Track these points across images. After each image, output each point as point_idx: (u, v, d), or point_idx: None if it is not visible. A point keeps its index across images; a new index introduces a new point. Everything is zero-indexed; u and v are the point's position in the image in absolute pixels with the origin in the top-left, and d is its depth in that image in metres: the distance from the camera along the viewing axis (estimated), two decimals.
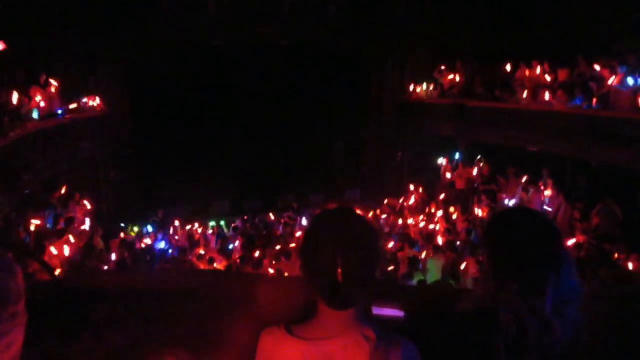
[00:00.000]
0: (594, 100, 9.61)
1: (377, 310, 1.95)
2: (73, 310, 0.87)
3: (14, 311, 0.79)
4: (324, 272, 1.35)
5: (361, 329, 1.39)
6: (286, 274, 7.83)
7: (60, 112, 10.01)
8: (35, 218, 8.65)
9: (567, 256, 1.63)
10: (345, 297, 1.37)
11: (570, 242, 8.45)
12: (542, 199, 10.42)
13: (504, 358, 1.49)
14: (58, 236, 8.55)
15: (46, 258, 7.19)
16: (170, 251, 10.26)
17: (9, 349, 0.79)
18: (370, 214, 12.28)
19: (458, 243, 9.75)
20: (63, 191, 10.60)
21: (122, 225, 11.95)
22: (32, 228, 8.37)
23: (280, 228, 12.16)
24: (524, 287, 1.52)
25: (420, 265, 8.69)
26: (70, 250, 8.27)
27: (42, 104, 9.45)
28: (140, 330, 1.50)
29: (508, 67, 12.33)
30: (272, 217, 12.95)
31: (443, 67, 14.23)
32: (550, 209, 10.00)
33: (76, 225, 9.68)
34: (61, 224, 9.20)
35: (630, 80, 8.95)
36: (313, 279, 1.40)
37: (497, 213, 2.33)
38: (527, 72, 11.85)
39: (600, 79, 9.68)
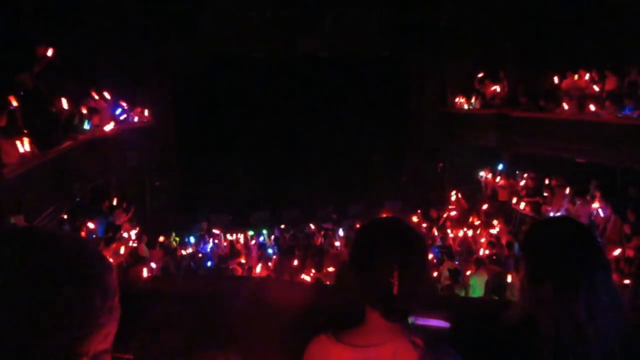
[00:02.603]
0: None
1: (422, 321, 1.95)
2: (128, 311, 0.94)
3: (111, 305, 0.90)
4: (379, 285, 1.37)
5: (409, 336, 1.39)
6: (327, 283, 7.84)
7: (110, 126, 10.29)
8: (90, 223, 9.01)
9: (605, 265, 1.64)
10: (401, 309, 1.39)
11: (616, 252, 8.12)
12: (590, 211, 10.08)
13: None
14: (106, 244, 8.84)
15: None
16: (209, 262, 10.43)
17: (106, 339, 0.91)
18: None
19: (502, 256, 9.53)
20: (113, 200, 10.98)
21: (167, 233, 12.24)
22: (83, 233, 8.68)
23: (320, 238, 12.20)
24: (558, 287, 1.54)
25: (462, 279, 8.52)
26: (117, 258, 8.54)
27: (94, 115, 9.81)
28: (193, 330, 1.55)
29: (554, 77, 12.02)
30: (312, 227, 13.01)
31: (481, 74, 14.01)
32: (599, 222, 9.66)
33: (123, 233, 9.99)
34: (110, 232, 9.51)
35: None
36: (366, 290, 1.41)
37: (536, 221, 2.38)
38: (573, 81, 11.55)
39: None
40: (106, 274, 0.91)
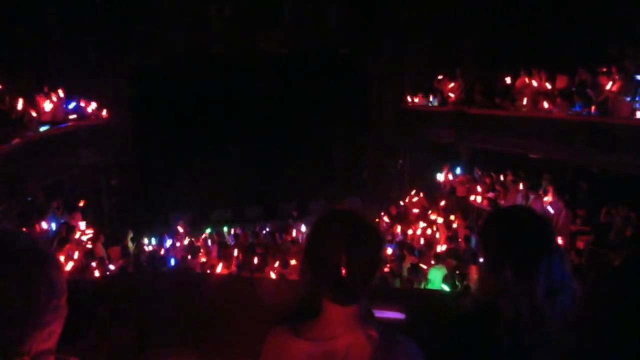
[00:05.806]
0: (593, 107, 9.65)
1: (378, 313, 1.97)
2: (79, 308, 0.92)
3: (57, 304, 0.89)
4: (328, 267, 1.38)
5: (364, 328, 1.40)
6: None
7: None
8: (40, 224, 8.68)
9: (558, 248, 1.73)
10: (349, 291, 1.39)
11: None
12: (543, 205, 10.41)
13: (507, 348, 1.53)
14: (60, 244, 8.55)
15: None
16: (173, 260, 10.24)
17: (50, 338, 0.89)
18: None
19: (459, 250, 9.72)
20: (66, 199, 10.62)
21: (124, 232, 11.93)
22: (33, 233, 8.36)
23: (281, 236, 12.16)
24: (517, 272, 1.61)
25: (422, 273, 8.65)
26: (72, 258, 8.27)
27: (47, 113, 9.48)
28: (146, 328, 1.52)
29: (508, 77, 12.35)
30: (272, 224, 12.96)
31: (441, 77, 14.28)
32: (551, 215, 9.98)
33: (77, 232, 9.69)
34: (63, 232, 9.20)
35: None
36: (317, 274, 1.42)
37: (493, 211, 2.45)
38: (527, 80, 11.90)
39: (599, 86, 9.71)
40: (54, 272, 0.89)
